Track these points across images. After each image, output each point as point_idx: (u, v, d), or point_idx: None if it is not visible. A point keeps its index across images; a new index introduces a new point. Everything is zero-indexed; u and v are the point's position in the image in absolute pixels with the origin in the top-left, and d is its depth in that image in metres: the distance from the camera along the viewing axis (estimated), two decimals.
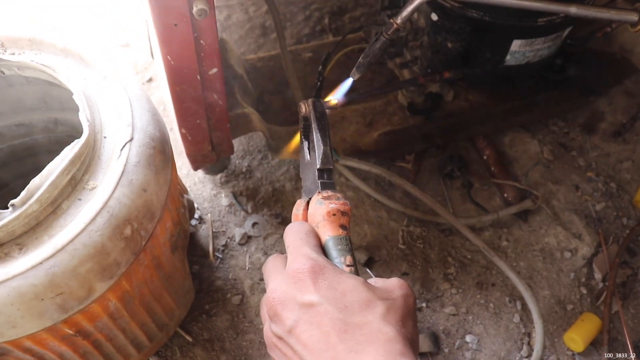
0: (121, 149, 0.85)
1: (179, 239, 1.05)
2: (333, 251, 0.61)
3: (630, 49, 1.55)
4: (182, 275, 1.10)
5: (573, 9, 0.98)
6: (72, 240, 0.76)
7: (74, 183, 0.81)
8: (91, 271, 0.78)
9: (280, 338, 0.56)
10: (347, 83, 1.01)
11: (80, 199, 0.81)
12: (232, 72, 1.38)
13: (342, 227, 0.63)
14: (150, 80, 1.57)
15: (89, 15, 1.75)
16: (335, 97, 1.00)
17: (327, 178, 0.69)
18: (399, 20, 1.00)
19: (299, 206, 0.69)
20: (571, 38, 1.34)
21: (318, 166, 0.68)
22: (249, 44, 1.64)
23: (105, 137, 0.87)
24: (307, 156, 0.72)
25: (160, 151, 0.90)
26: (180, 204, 1.07)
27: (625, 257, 1.32)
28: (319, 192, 0.67)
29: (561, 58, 1.43)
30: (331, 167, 0.69)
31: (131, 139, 0.86)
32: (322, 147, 0.69)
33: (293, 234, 0.62)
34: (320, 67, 1.35)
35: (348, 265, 0.60)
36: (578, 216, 1.37)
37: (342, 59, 1.47)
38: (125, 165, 0.83)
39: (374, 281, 0.58)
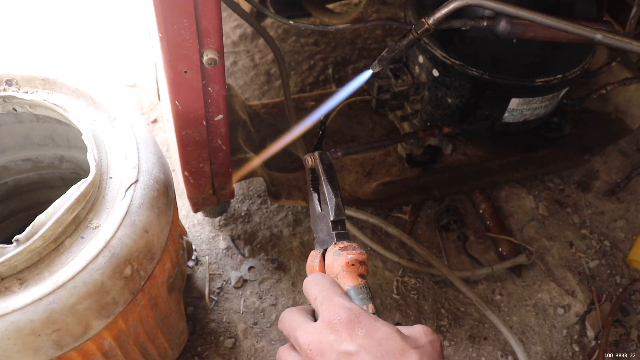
0: (126, 190, 0.87)
1: (176, 280, 1.07)
2: (355, 300, 0.62)
3: (624, 109, 1.59)
4: (177, 316, 1.10)
5: (599, 36, 0.98)
6: (72, 278, 0.78)
7: (77, 221, 0.83)
8: (89, 309, 0.79)
9: None
10: (366, 75, 1.01)
11: (82, 237, 0.83)
12: (236, 117, 1.42)
13: (361, 276, 0.65)
14: (155, 121, 1.61)
15: (98, 55, 1.80)
16: (350, 89, 1.00)
17: (341, 229, 0.71)
18: (430, 21, 1.00)
19: (314, 257, 0.71)
20: (567, 98, 1.38)
21: (332, 218, 0.70)
22: (253, 90, 1.68)
23: (110, 178, 0.90)
24: (318, 208, 0.74)
25: (164, 194, 0.92)
26: (180, 246, 1.09)
27: (618, 315, 1.33)
28: (335, 244, 0.69)
29: (558, 117, 1.47)
30: (344, 217, 0.71)
31: (136, 181, 0.88)
32: (333, 200, 0.71)
33: (317, 284, 0.63)
34: (323, 116, 1.38)
35: (372, 313, 0.61)
36: (572, 273, 1.38)
37: (344, 109, 1.51)
38: (129, 206, 0.85)
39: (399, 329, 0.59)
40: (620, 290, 1.37)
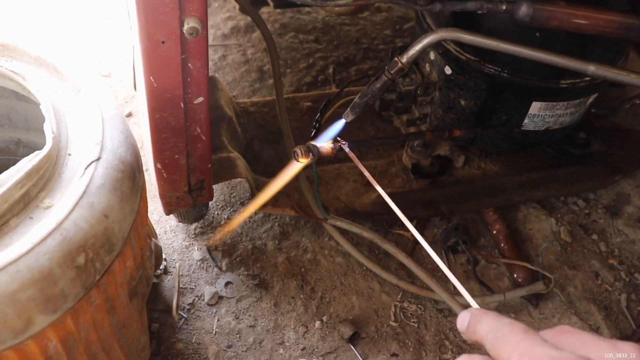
0: (85, 168, 0.85)
1: (140, 285, 1.04)
2: None
3: None
4: (139, 329, 1.07)
5: (591, 68, 1.02)
6: (15, 261, 0.75)
7: (27, 199, 0.81)
8: (32, 299, 0.77)
9: None
10: (339, 125, 1.03)
11: (31, 218, 0.81)
12: (221, 113, 1.41)
13: None
14: (129, 115, 1.60)
15: (72, 41, 1.81)
16: (323, 141, 1.01)
17: None
18: (404, 59, 1.03)
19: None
20: (596, 107, 1.37)
21: None
22: (243, 87, 1.68)
23: (69, 155, 0.88)
24: None
25: (129, 177, 0.91)
26: (147, 246, 1.07)
27: None
28: None
29: (585, 131, 1.46)
30: None
31: (98, 159, 0.87)
32: None
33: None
34: (318, 115, 1.38)
35: None
36: (597, 306, 1.36)
37: (343, 111, 1.50)
38: (87, 185, 0.84)
39: None
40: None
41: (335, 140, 1.01)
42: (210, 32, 1.83)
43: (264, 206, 1.33)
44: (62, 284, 0.80)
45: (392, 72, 1.07)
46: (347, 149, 0.92)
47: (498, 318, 0.50)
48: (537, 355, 0.45)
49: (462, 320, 0.53)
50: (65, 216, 0.80)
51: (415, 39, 1.07)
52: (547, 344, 0.46)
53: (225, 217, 1.43)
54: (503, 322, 0.49)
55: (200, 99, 1.03)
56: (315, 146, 1.05)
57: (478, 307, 0.56)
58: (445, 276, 1.37)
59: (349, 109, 1.11)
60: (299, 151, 1.03)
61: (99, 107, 0.93)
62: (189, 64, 0.97)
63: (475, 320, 0.51)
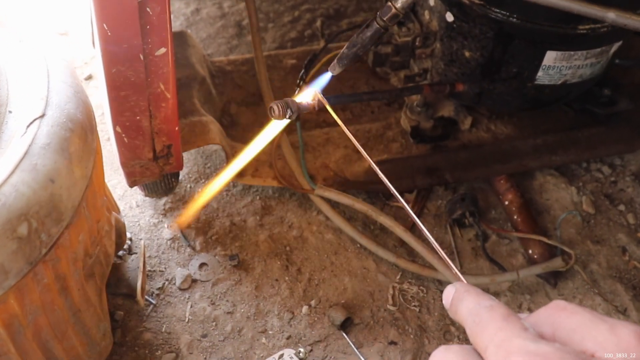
0: (28, 126, 0.85)
1: (97, 264, 1.04)
2: None
3: None
4: (98, 314, 1.07)
5: (611, 15, 1.00)
6: None
7: None
8: None
9: None
10: (324, 79, 1.02)
11: None
12: (193, 72, 1.40)
13: None
14: (89, 77, 1.61)
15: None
16: (305, 96, 1.00)
17: None
18: (398, 3, 1.02)
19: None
20: (621, 59, 1.37)
21: None
22: (219, 44, 1.68)
23: (10, 112, 0.88)
24: None
25: (80, 137, 0.90)
26: (105, 219, 1.06)
27: None
28: None
29: (609, 88, 1.46)
30: None
31: (42, 115, 0.86)
32: None
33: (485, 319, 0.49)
34: (303, 71, 1.37)
35: None
36: (623, 286, 1.36)
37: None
38: (30, 145, 0.83)
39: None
40: None
41: (314, 95, 1.00)
42: None
43: (242, 176, 1.33)
44: (1, 258, 0.79)
45: (384, 18, 1.06)
46: (324, 101, 0.91)
47: (479, 298, 0.50)
48: (513, 348, 0.45)
49: (447, 297, 0.53)
50: (3, 180, 0.79)
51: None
52: (526, 334, 0.46)
53: (199, 190, 1.43)
54: (483, 305, 0.49)
55: (163, 50, 1.02)
56: (294, 102, 1.05)
57: (464, 280, 0.55)
58: (451, 253, 1.38)
59: (335, 60, 1.10)
60: (275, 107, 1.03)
61: (44, 58, 0.92)
62: (147, 9, 0.95)
63: (457, 298, 0.51)
